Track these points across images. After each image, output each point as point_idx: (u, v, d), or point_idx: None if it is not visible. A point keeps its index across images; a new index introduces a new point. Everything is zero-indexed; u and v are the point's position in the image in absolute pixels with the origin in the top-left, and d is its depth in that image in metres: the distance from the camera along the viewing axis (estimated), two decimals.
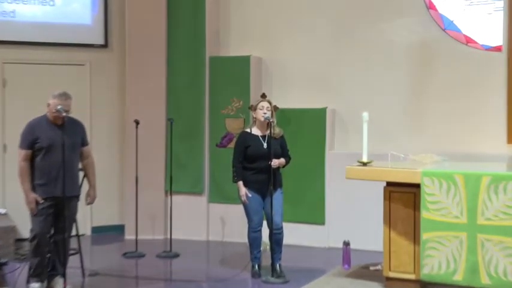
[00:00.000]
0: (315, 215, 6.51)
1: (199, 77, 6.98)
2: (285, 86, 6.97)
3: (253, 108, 5.34)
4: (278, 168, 5.24)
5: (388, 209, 4.34)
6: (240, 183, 5.17)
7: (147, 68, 7.05)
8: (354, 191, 6.24)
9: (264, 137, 5.25)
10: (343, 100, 6.69)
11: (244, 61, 6.82)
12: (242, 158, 5.19)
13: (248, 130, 5.30)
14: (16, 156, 4.81)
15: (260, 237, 5.27)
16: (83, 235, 6.53)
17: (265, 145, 5.20)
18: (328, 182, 6.50)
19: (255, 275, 5.24)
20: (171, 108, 7.07)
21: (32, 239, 4.73)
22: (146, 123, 6.78)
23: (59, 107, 4.67)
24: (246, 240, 5.40)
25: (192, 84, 7.01)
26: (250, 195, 5.14)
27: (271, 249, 5.10)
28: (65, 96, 4.75)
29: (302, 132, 6.54)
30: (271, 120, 5.11)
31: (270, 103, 5.30)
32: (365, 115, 4.32)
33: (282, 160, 5.26)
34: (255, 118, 5.30)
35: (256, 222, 5.21)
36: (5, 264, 5.16)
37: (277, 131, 5.26)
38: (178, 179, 6.82)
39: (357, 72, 6.65)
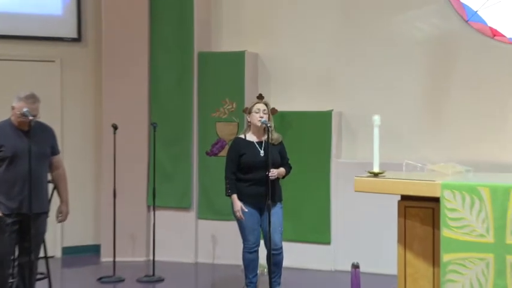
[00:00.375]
0: (320, 233, 6.50)
1: (187, 76, 6.96)
2: (285, 86, 6.96)
3: (248, 111, 5.33)
4: (277, 179, 5.22)
5: (403, 227, 4.31)
6: (234, 196, 5.16)
7: (126, 65, 7.04)
8: (363, 205, 6.23)
9: (260, 143, 5.24)
10: (351, 102, 6.69)
11: (238, 57, 6.81)
12: (236, 168, 5.18)
13: (242, 136, 5.29)
14: None
15: (257, 259, 5.26)
16: (52, 257, 6.48)
17: (262, 153, 5.19)
18: (334, 195, 6.49)
19: None
20: (155, 111, 7.05)
21: None
22: (126, 128, 6.77)
23: (24, 109, 4.64)
24: (240, 262, 5.38)
25: (178, 83, 7.00)
26: (246, 210, 5.13)
27: (270, 272, 5.08)
28: (32, 99, 4.70)
29: (304, 138, 6.54)
30: (268, 125, 5.09)
31: (267, 105, 5.30)
32: (376, 119, 4.30)
33: (282, 170, 5.25)
34: (250, 122, 5.29)
35: (252, 242, 5.21)
36: None
37: (275, 136, 5.25)
38: (162, 191, 6.81)
39: (367, 70, 6.64)
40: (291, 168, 5.38)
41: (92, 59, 7.32)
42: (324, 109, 6.62)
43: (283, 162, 5.30)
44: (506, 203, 3.95)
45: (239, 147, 5.22)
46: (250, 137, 5.28)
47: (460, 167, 4.66)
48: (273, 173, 5.10)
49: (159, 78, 7.05)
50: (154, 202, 6.53)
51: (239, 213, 5.14)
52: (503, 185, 4.00)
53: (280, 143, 5.33)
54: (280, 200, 5.28)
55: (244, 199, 5.16)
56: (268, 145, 5.06)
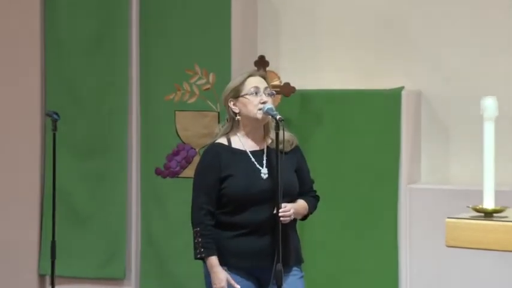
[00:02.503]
0: None
1: (118, 23, 7.05)
2: (309, 42, 7.00)
3: (234, 92, 5.30)
4: (293, 222, 5.21)
5: None
6: (212, 260, 5.13)
7: None
8: (462, 270, 6.28)
9: (259, 154, 5.23)
10: (440, 73, 6.74)
11: None
12: (214, 204, 5.16)
13: (223, 141, 5.28)
14: None
15: None
16: None
17: (264, 172, 5.20)
18: (405, 251, 6.54)
19: None
20: (54, 90, 7.12)
21: None
22: None
23: None
24: None
25: (100, 38, 7.08)
26: (238, 287, 5.15)
27: None
28: None
29: (347, 143, 6.59)
30: (278, 117, 5.08)
31: (265, 79, 5.28)
32: (488, 105, 4.27)
33: (301, 204, 5.22)
34: (239, 114, 5.27)
35: None
36: None
37: (286, 136, 5.22)
38: (70, 248, 6.89)
39: (467, 14, 6.70)
40: (317, 199, 5.35)
41: None
42: (384, 86, 6.66)
43: (303, 188, 5.31)
44: None
45: (219, 162, 5.19)
46: (240, 142, 5.23)
47: None
48: (287, 211, 5.09)
49: (63, 28, 7.12)
50: (53, 269, 6.43)
51: None
52: None
53: (295, 150, 5.31)
54: (298, 263, 5.26)
55: (231, 262, 5.14)
56: (278, 157, 5.05)
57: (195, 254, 5.19)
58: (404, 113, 6.56)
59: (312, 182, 5.36)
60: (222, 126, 5.31)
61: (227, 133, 5.28)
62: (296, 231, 5.30)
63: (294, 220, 5.22)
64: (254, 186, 5.15)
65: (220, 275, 5.13)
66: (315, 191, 5.35)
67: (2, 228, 6.99)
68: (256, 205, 5.13)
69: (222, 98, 5.29)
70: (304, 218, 5.32)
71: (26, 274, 7.09)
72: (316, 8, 7.00)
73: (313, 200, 5.33)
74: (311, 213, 5.33)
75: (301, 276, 5.28)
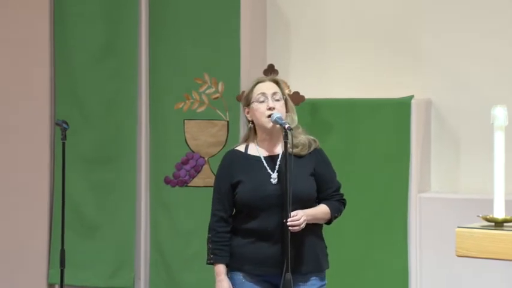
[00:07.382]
0: None
1: (126, 29, 7.06)
2: (319, 52, 6.99)
3: (246, 99, 5.27)
4: (315, 226, 5.14)
5: None
6: (220, 268, 5.12)
7: (7, 10, 7.12)
8: (472, 280, 6.26)
9: (274, 159, 5.22)
10: (449, 82, 6.71)
11: None
12: (228, 210, 5.15)
13: (240, 148, 5.27)
14: None
15: None
16: None
17: (273, 177, 5.17)
18: (414, 259, 6.53)
19: None
20: (64, 100, 7.13)
21: None
22: (6, 131, 6.88)
23: None
24: None
25: (109, 44, 7.09)
26: None
27: None
28: None
29: (356, 152, 6.60)
30: (286, 126, 5.03)
31: (279, 85, 5.22)
32: (499, 114, 4.26)
33: (320, 209, 5.13)
34: (252, 121, 5.22)
35: None
36: None
37: (302, 139, 5.16)
38: (78, 257, 6.87)
39: (476, 23, 6.68)
40: (343, 203, 5.24)
41: None
42: (394, 95, 6.66)
43: (325, 192, 5.23)
44: None
45: (231, 168, 5.17)
46: (256, 148, 5.20)
47: None
48: (296, 218, 5.05)
49: (72, 37, 7.13)
50: (62, 278, 6.49)
51: None
52: None
53: (314, 153, 5.24)
54: (317, 270, 5.19)
55: (246, 268, 5.12)
56: (287, 165, 5.01)
57: (207, 260, 5.18)
58: (414, 122, 6.55)
59: (338, 185, 5.24)
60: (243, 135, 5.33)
61: (246, 140, 5.26)
62: (320, 236, 5.21)
63: (317, 225, 5.17)
64: (262, 191, 5.09)
65: (224, 283, 5.12)
66: (341, 194, 5.23)
67: (11, 237, 6.98)
68: (266, 210, 5.07)
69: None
70: (329, 222, 5.20)
71: (35, 283, 7.09)
72: (325, 17, 6.99)
73: (336, 203, 5.18)
74: (335, 217, 5.18)
75: (322, 285, 5.21)
